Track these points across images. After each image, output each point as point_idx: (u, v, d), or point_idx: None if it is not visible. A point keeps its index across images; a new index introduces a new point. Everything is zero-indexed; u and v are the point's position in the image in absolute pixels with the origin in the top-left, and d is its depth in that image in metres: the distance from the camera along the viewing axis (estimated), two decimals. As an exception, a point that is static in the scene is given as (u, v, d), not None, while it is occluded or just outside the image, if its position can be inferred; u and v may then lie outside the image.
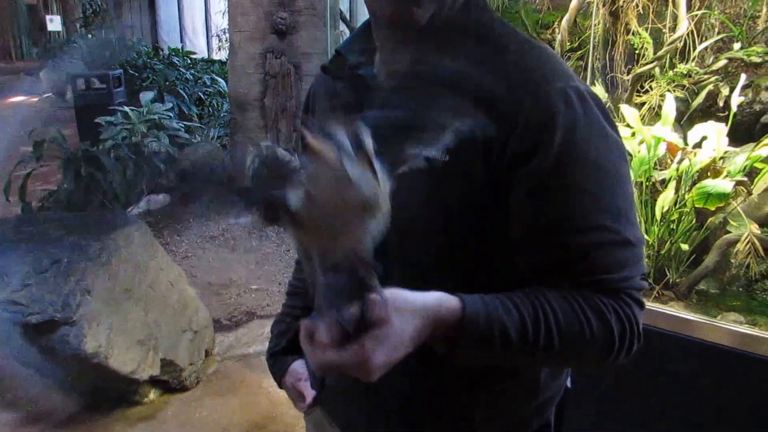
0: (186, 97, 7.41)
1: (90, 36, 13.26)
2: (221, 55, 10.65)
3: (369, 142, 0.62)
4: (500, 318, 0.77)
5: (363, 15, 6.95)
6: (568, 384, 1.08)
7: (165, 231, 4.33)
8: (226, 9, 5.54)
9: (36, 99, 13.59)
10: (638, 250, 0.83)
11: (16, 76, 17.83)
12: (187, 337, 3.14)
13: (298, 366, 1.17)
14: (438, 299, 0.76)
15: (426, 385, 0.94)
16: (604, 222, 0.80)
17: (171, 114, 5.88)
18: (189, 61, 9.51)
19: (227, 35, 6.05)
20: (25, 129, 8.05)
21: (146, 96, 6.20)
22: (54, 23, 22.84)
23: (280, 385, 1.20)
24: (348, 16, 4.39)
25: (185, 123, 6.05)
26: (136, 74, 8.83)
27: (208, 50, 12.30)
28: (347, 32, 4.30)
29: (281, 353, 1.21)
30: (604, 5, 2.42)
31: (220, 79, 8.07)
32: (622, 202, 0.82)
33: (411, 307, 0.73)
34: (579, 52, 2.50)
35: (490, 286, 0.81)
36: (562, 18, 2.53)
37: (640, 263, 0.84)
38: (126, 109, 5.67)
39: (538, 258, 0.83)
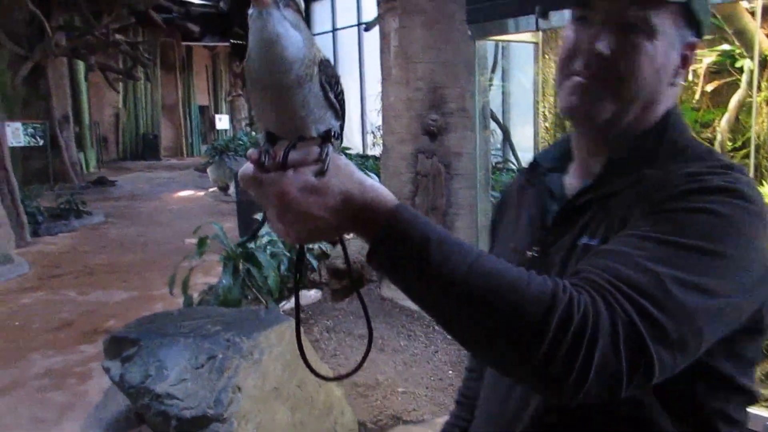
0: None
1: (254, 134, 14.51)
2: (376, 151, 11.18)
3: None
4: (427, 226, 0.76)
5: (514, 114, 7.03)
6: None
7: (315, 327, 4.49)
8: (380, 109, 5.86)
9: (203, 193, 14.98)
10: (679, 308, 0.74)
11: (187, 171, 19.84)
12: (332, 441, 3.18)
13: None
14: (379, 185, 0.79)
15: None
16: (658, 269, 0.75)
17: (325, 210, 6.20)
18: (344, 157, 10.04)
19: (381, 132, 6.37)
20: (192, 223, 8.87)
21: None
22: (222, 122, 25.40)
23: None
24: (500, 116, 4.49)
25: (338, 218, 6.34)
26: (294, 170, 9.44)
27: (363, 146, 12.96)
28: (498, 131, 4.40)
29: None
30: (767, 103, 2.30)
31: (373, 175, 8.42)
32: (705, 278, 0.77)
33: (351, 173, 0.78)
34: (743, 151, 2.39)
35: None
36: (722, 116, 2.43)
37: (669, 317, 0.73)
38: (283, 205, 6.06)
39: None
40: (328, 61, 0.80)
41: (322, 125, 0.80)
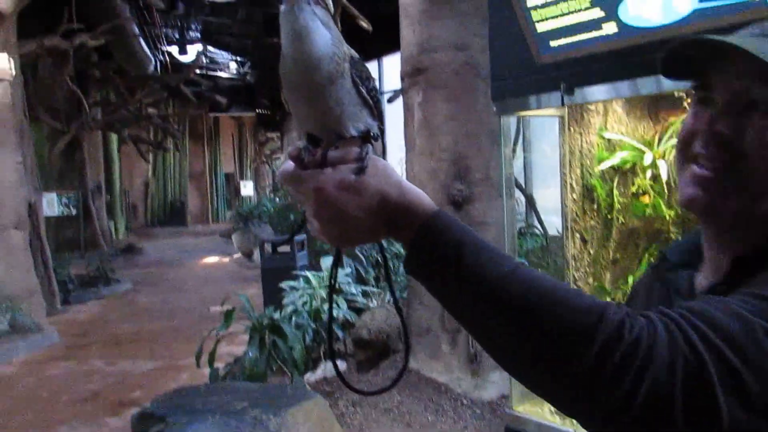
0: (364, 259, 7.72)
1: (278, 200, 14.62)
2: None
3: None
4: (465, 231, 0.71)
5: (537, 181, 7.01)
6: None
7: (340, 402, 4.34)
8: (404, 177, 5.86)
9: (228, 260, 15.03)
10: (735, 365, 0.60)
11: (212, 237, 19.97)
12: None
13: None
14: (419, 191, 0.76)
15: None
16: (754, 319, 0.62)
17: (350, 279, 6.12)
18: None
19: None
20: (217, 289, 8.83)
21: (327, 261, 6.55)
22: (247, 188, 25.72)
23: None
24: (522, 182, 4.42)
25: (363, 287, 6.26)
26: (318, 238, 9.42)
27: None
28: (522, 199, 4.32)
29: None
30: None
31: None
32: None
33: (390, 175, 0.75)
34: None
35: None
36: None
37: (752, 370, 0.59)
38: (307, 274, 6.00)
39: None
40: (359, 58, 0.79)
41: (359, 123, 0.79)
